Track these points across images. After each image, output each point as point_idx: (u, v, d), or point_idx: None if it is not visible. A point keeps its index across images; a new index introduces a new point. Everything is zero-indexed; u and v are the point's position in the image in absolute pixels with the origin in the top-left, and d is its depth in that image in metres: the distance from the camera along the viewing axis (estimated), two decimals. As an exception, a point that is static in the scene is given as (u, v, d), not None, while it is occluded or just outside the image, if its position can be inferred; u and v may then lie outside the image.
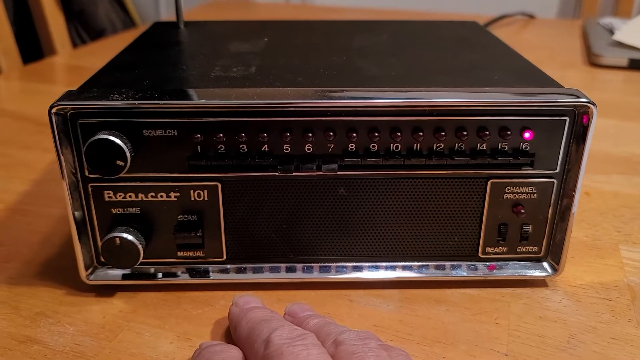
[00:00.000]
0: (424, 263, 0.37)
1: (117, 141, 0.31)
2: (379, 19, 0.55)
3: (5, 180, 0.51)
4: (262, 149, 0.33)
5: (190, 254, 0.36)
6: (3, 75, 0.82)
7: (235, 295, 0.33)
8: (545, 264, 0.37)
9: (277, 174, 0.33)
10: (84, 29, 1.20)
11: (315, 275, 0.36)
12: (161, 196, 0.34)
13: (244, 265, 0.36)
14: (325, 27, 0.52)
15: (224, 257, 0.36)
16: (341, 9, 1.25)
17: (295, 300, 0.35)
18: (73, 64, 0.87)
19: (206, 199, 0.34)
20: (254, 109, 0.32)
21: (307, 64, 0.39)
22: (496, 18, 1.05)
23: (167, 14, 1.74)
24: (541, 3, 1.43)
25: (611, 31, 0.91)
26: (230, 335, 0.32)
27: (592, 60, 0.83)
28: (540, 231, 0.36)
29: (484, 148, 0.33)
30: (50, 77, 0.81)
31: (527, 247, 0.36)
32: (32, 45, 0.98)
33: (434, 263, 0.37)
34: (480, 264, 0.37)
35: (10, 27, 0.90)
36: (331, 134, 0.33)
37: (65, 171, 0.33)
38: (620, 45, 0.84)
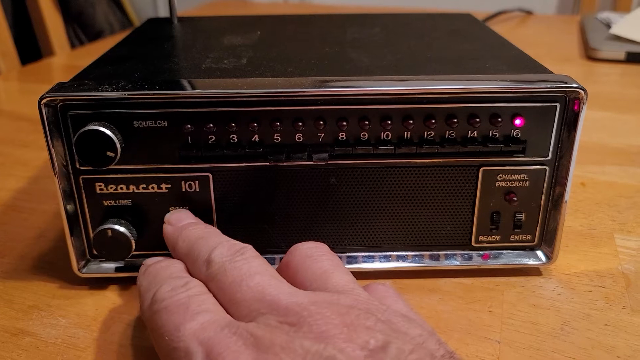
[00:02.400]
0: (418, 253, 0.37)
1: (107, 132, 0.31)
2: (373, 13, 0.55)
3: (0, 178, 0.51)
4: (253, 139, 0.33)
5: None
6: (1, 76, 0.83)
7: (167, 213, 0.33)
8: (538, 253, 0.36)
9: (267, 163, 0.33)
10: (82, 30, 1.21)
11: (308, 266, 0.36)
12: (152, 188, 0.34)
13: (236, 257, 0.36)
14: (318, 20, 0.52)
15: (217, 248, 0.36)
16: (340, 7, 1.25)
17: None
18: (71, 64, 0.88)
19: (197, 190, 0.34)
20: (244, 99, 0.32)
21: (298, 55, 0.39)
22: (494, 14, 1.05)
23: (165, 15, 1.74)
24: (539, -1, 1.43)
25: (608, 25, 0.91)
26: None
27: (590, 54, 0.83)
28: (533, 219, 0.36)
29: (475, 135, 0.33)
30: (48, 78, 0.81)
31: (521, 236, 0.36)
32: (30, 47, 0.99)
33: (428, 253, 0.37)
34: (474, 253, 0.37)
35: (9, 29, 0.90)
36: (321, 123, 0.33)
37: (56, 163, 0.33)
38: (618, 38, 0.84)
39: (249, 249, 0.29)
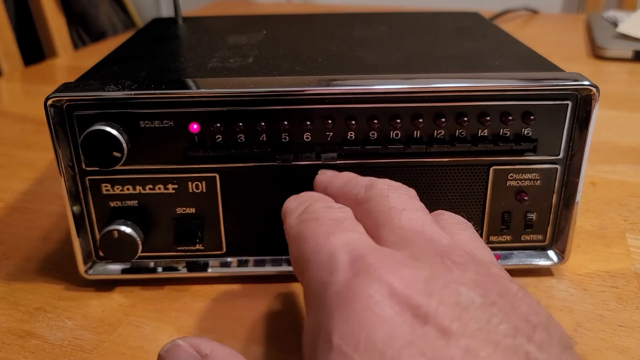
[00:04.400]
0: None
1: (114, 132, 0.31)
2: (379, 11, 0.54)
3: (5, 179, 0.51)
4: (260, 139, 0.33)
5: (190, 247, 0.35)
6: (4, 77, 0.83)
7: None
8: (550, 253, 0.36)
9: (275, 163, 0.33)
10: (85, 31, 1.20)
11: (317, 267, 0.36)
12: (159, 188, 0.34)
13: (244, 258, 0.36)
14: (324, 19, 0.52)
15: (224, 249, 0.36)
16: (344, 7, 1.25)
17: (298, 293, 0.35)
18: (74, 65, 0.87)
19: (204, 190, 0.34)
20: (251, 98, 0.32)
21: (305, 54, 0.39)
22: (499, 13, 1.04)
23: (168, 16, 1.74)
24: (544, -2, 1.42)
25: (615, 24, 0.90)
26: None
27: (597, 52, 0.82)
28: (544, 219, 0.35)
29: (486, 134, 0.33)
30: (51, 79, 0.81)
31: (532, 236, 0.36)
32: (33, 49, 0.98)
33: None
34: (484, 254, 0.36)
35: (12, 30, 0.90)
36: (330, 122, 0.32)
37: (62, 164, 0.32)
38: (625, 37, 0.83)
39: (413, 191, 0.27)
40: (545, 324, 0.20)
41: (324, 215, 0.25)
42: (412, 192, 0.27)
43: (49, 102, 0.31)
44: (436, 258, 0.22)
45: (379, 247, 0.23)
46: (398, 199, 0.25)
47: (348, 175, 0.30)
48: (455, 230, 0.26)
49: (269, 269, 0.36)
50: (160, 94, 0.31)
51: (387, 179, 0.28)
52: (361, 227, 0.25)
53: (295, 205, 0.27)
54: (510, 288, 0.21)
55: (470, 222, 0.35)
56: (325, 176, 0.31)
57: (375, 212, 0.25)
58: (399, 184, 0.27)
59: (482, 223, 0.35)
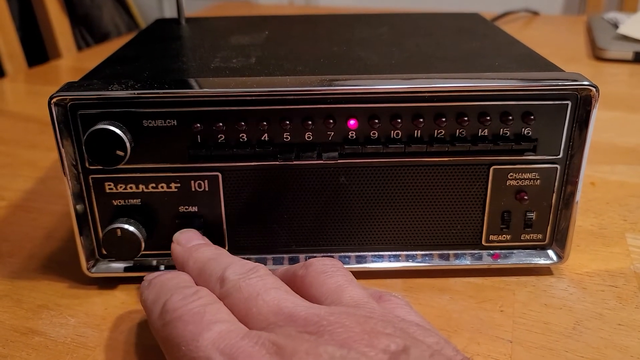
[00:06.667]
0: (428, 252, 0.36)
1: (117, 131, 0.31)
2: (380, 12, 0.55)
3: (9, 179, 0.51)
4: (262, 138, 0.33)
5: (192, 245, 0.36)
6: (8, 78, 0.83)
7: (175, 233, 0.33)
8: (550, 252, 0.36)
9: (277, 163, 0.33)
10: (89, 32, 1.21)
11: (318, 266, 0.36)
12: (162, 187, 0.34)
13: (246, 257, 0.36)
14: (325, 20, 0.52)
15: (226, 248, 0.36)
16: (345, 9, 1.25)
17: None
18: (78, 66, 0.88)
19: (207, 189, 0.34)
20: (254, 98, 0.32)
21: (307, 54, 0.39)
22: (500, 15, 1.05)
23: (171, 17, 1.74)
24: None
25: (616, 25, 0.91)
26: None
27: (597, 54, 0.82)
28: (544, 218, 0.35)
29: (486, 134, 0.33)
30: (55, 80, 0.81)
31: (531, 235, 0.36)
32: (37, 50, 0.99)
33: (438, 252, 0.36)
34: (484, 253, 0.36)
35: (16, 32, 0.90)
36: (331, 121, 0.32)
37: (65, 163, 0.33)
38: (625, 38, 0.84)
39: (261, 267, 0.29)
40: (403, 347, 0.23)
41: (185, 311, 0.26)
42: (261, 271, 0.28)
43: (53, 101, 0.31)
44: (297, 335, 0.24)
45: (247, 333, 0.24)
46: (250, 287, 0.27)
47: (202, 259, 0.30)
48: (321, 282, 0.28)
49: (270, 267, 0.36)
50: (163, 93, 0.31)
51: (236, 263, 0.29)
52: (223, 309, 0.26)
53: (152, 301, 0.28)
54: (367, 322, 0.24)
55: (469, 221, 0.35)
56: (182, 249, 0.32)
57: (236, 306, 0.27)
58: (249, 267, 0.28)
59: (482, 222, 0.35)
